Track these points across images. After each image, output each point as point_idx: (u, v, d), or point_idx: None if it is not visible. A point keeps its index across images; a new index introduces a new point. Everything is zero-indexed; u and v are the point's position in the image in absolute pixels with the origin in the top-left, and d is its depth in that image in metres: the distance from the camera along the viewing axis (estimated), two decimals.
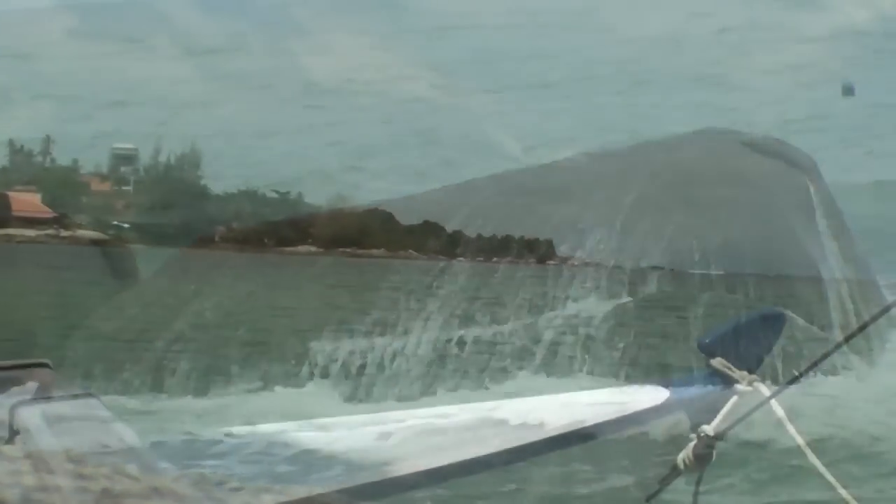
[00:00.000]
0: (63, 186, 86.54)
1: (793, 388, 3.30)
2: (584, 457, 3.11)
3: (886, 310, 3.18)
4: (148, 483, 1.78)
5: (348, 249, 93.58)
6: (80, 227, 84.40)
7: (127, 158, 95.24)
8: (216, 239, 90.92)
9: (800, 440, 3.30)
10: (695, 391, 3.50)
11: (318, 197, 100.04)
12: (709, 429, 3.40)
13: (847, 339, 3.24)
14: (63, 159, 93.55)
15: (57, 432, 2.24)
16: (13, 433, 2.36)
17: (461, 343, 14.72)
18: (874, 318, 3.16)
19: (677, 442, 3.39)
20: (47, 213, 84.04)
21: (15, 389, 2.83)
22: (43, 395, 2.63)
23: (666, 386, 3.53)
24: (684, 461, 3.38)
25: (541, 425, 3.23)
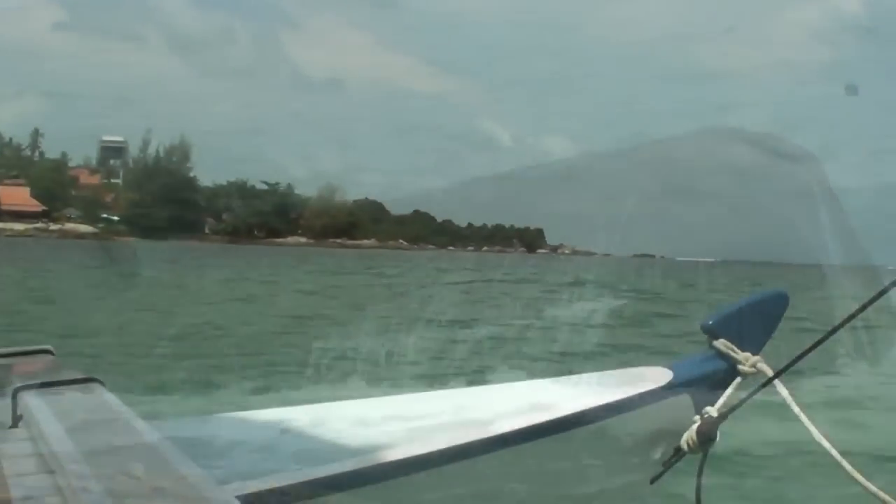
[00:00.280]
0: (51, 179, 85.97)
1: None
2: (587, 439, 3.09)
3: (886, 290, 3.18)
4: (152, 468, 1.77)
5: (338, 240, 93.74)
6: (69, 220, 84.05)
7: (115, 150, 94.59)
8: (206, 231, 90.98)
9: (812, 429, 3.30)
10: (698, 372, 3.50)
11: (308, 188, 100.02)
12: (712, 410, 3.40)
13: (848, 319, 3.23)
14: (52, 152, 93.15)
15: (60, 417, 2.23)
16: (17, 418, 2.35)
17: (454, 331, 14.73)
18: (876, 298, 3.16)
19: (681, 423, 3.39)
20: (36, 206, 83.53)
21: (18, 375, 2.82)
22: (46, 381, 2.63)
23: (669, 367, 3.53)
24: (688, 442, 3.39)
25: (545, 408, 3.23)
